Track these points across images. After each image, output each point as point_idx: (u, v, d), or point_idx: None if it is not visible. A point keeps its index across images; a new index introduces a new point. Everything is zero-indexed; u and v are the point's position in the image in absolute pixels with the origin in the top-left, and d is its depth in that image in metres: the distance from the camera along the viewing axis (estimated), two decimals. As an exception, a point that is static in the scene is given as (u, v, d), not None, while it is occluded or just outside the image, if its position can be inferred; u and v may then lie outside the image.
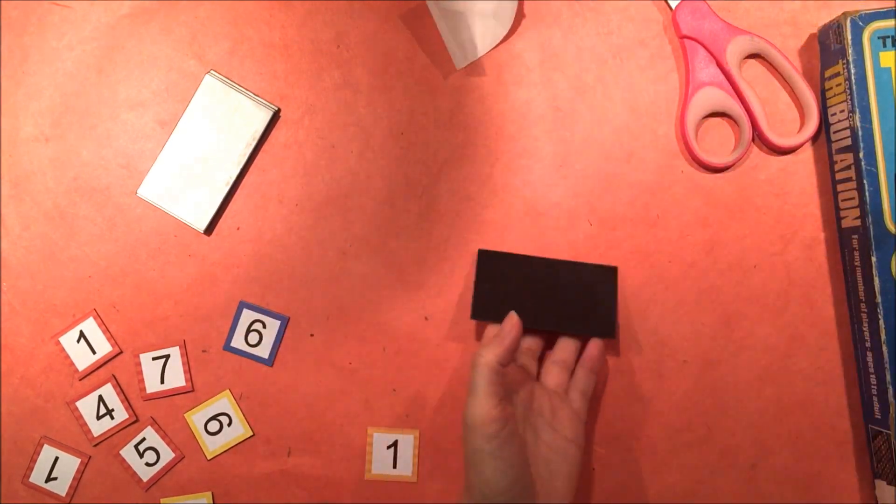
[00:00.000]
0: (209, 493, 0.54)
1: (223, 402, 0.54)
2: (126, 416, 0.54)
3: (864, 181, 0.49)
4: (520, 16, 0.53)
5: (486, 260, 0.52)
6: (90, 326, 0.54)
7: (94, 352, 0.54)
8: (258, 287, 0.54)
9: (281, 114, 0.54)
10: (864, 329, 0.50)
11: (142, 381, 0.54)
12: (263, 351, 0.54)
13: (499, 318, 0.49)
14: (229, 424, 0.54)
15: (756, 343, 0.53)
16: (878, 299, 0.48)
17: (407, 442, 0.53)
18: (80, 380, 0.54)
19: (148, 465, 0.54)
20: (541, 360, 0.53)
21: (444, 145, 0.54)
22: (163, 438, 0.54)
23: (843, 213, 0.51)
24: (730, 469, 0.53)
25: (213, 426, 0.54)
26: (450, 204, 0.54)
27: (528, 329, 0.50)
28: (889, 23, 0.49)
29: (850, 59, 0.49)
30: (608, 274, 0.51)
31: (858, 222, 0.49)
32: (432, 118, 0.54)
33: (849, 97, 0.49)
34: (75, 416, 0.54)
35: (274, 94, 0.54)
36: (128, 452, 0.54)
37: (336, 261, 0.54)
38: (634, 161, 0.53)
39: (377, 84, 0.54)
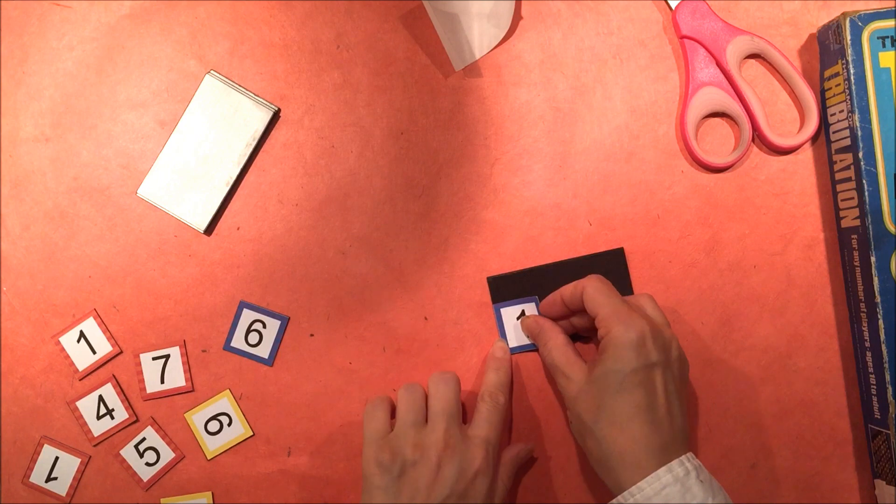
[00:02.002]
0: (209, 493, 0.54)
1: (223, 402, 0.54)
2: (126, 416, 0.54)
3: (864, 181, 0.49)
4: (517, 17, 0.53)
5: (497, 285, 0.53)
6: (90, 326, 0.54)
7: (94, 352, 0.54)
8: (258, 287, 0.54)
9: (281, 114, 0.54)
10: (864, 329, 0.50)
11: (142, 381, 0.54)
12: (263, 351, 0.54)
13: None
14: (229, 424, 0.54)
15: (756, 343, 0.53)
16: (878, 299, 0.48)
17: (407, 442, 0.53)
18: (80, 380, 0.54)
19: (148, 465, 0.54)
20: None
21: (443, 145, 0.54)
22: (163, 438, 0.54)
23: (842, 213, 0.51)
24: (730, 469, 0.53)
25: (213, 426, 0.54)
26: (450, 204, 0.54)
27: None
28: (888, 23, 0.49)
29: (850, 59, 0.49)
30: (616, 257, 0.52)
31: (858, 222, 0.50)
32: (432, 118, 0.54)
33: (848, 97, 0.49)
34: (75, 416, 0.54)
35: (274, 94, 0.54)
36: (128, 452, 0.54)
37: (336, 261, 0.54)
38: (634, 161, 0.53)
39: (377, 84, 0.54)
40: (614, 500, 0.44)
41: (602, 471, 0.45)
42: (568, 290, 0.49)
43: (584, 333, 0.52)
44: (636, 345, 0.44)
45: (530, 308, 0.53)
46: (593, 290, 0.47)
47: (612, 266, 0.52)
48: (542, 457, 0.54)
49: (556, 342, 0.49)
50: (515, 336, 0.53)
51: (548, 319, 0.51)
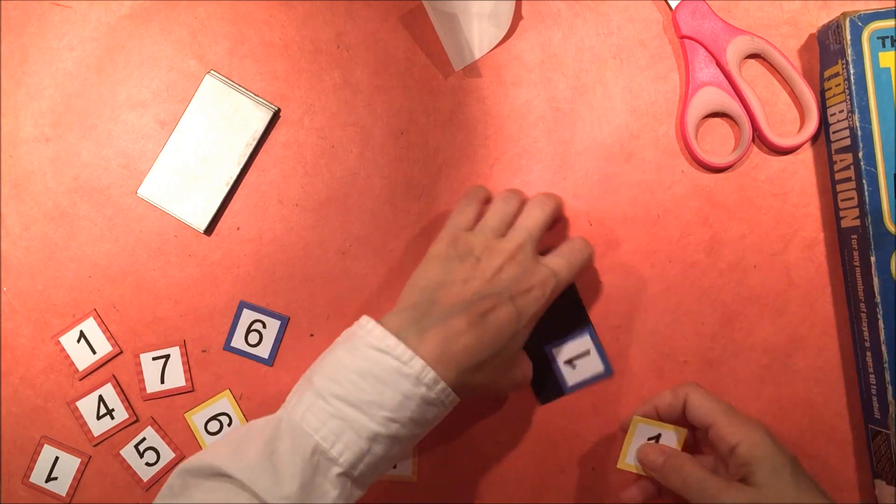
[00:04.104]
0: (209, 493, 0.54)
1: (223, 402, 0.54)
2: (126, 416, 0.54)
3: (864, 181, 0.49)
4: (517, 17, 0.53)
5: None
6: (90, 326, 0.54)
7: (94, 352, 0.54)
8: (258, 287, 0.54)
9: (281, 114, 0.54)
10: (864, 329, 0.50)
11: (142, 381, 0.54)
12: (263, 351, 0.54)
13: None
14: (229, 424, 0.54)
15: (756, 343, 0.53)
16: (878, 299, 0.48)
17: (407, 442, 0.53)
18: (80, 380, 0.54)
19: (148, 465, 0.54)
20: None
21: (443, 145, 0.54)
22: (163, 438, 0.54)
23: (842, 214, 0.51)
24: (730, 469, 0.53)
25: (213, 426, 0.54)
26: (449, 204, 0.54)
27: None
28: (888, 23, 0.49)
29: (850, 59, 0.49)
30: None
31: (858, 222, 0.49)
32: (432, 118, 0.54)
33: (848, 97, 0.49)
34: (75, 416, 0.54)
35: (274, 94, 0.54)
36: (128, 452, 0.54)
37: (336, 261, 0.54)
38: (634, 161, 0.53)
39: (377, 84, 0.54)
40: None
41: None
42: (665, 400, 0.49)
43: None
44: (777, 449, 0.45)
45: (584, 342, 0.53)
46: (699, 398, 0.47)
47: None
48: (544, 456, 0.54)
49: (694, 471, 0.46)
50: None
51: (667, 445, 0.49)
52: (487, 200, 0.51)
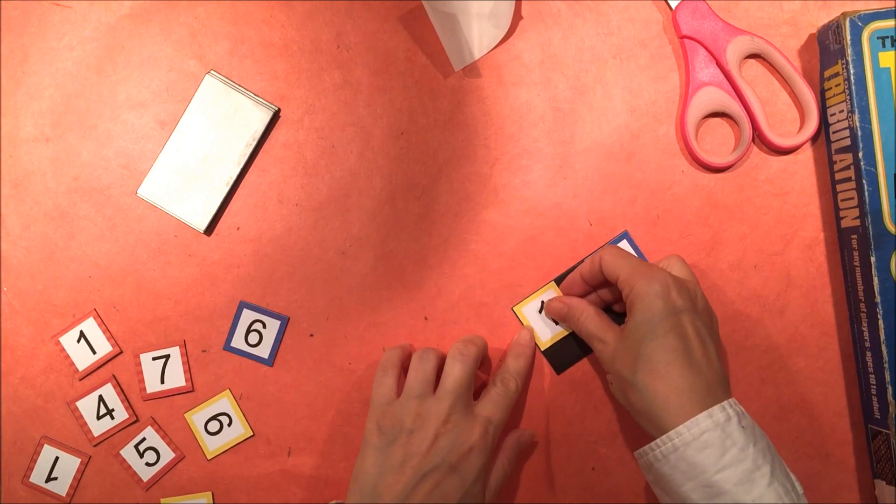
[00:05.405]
0: (209, 493, 0.54)
1: (223, 402, 0.54)
2: (126, 416, 0.54)
3: (864, 181, 0.49)
4: (517, 17, 0.53)
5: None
6: (90, 326, 0.54)
7: (94, 352, 0.54)
8: (258, 287, 0.54)
9: (281, 114, 0.54)
10: (864, 329, 0.50)
11: (142, 381, 0.54)
12: (263, 351, 0.54)
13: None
14: (229, 424, 0.54)
15: (756, 343, 0.53)
16: (878, 299, 0.48)
17: (407, 442, 0.53)
18: (80, 380, 0.54)
19: (148, 465, 0.54)
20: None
21: (443, 145, 0.54)
22: (163, 438, 0.54)
23: (842, 214, 0.51)
24: (730, 469, 0.53)
25: (213, 426, 0.54)
26: (449, 204, 0.54)
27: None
28: (888, 23, 0.49)
29: (850, 59, 0.49)
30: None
31: (858, 222, 0.50)
32: (432, 118, 0.54)
33: (848, 97, 0.49)
34: (75, 416, 0.54)
35: (274, 94, 0.54)
36: (128, 452, 0.54)
37: (336, 261, 0.54)
38: (634, 161, 0.53)
39: (377, 84, 0.54)
40: (652, 444, 0.43)
41: (646, 422, 0.45)
42: (586, 266, 0.50)
43: (616, 308, 0.52)
44: (660, 293, 0.44)
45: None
46: (610, 257, 0.48)
47: None
48: (544, 456, 0.54)
49: (587, 313, 0.49)
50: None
51: (573, 296, 0.52)
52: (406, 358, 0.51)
